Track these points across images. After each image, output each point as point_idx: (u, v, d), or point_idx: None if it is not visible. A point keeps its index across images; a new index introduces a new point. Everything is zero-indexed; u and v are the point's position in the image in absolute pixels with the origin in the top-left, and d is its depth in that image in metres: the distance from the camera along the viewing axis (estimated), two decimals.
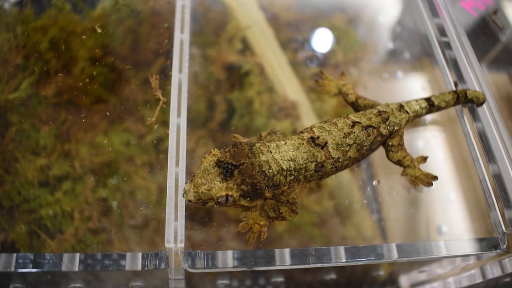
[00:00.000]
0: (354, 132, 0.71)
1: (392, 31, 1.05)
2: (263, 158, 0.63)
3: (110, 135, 0.86)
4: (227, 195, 0.60)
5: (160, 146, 0.85)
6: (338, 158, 0.69)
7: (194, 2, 0.97)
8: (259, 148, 0.65)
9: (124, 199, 0.81)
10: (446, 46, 0.88)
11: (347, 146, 0.70)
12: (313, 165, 0.67)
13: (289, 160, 0.65)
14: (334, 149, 0.69)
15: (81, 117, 0.87)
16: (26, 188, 0.81)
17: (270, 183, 0.63)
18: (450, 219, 0.81)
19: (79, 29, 0.97)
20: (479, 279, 0.79)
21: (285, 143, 0.68)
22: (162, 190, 0.81)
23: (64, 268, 0.62)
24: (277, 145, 0.66)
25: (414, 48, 1.01)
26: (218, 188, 0.60)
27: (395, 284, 0.99)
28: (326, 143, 0.69)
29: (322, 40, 1.00)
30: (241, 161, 0.62)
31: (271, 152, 0.65)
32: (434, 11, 0.93)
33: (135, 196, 0.81)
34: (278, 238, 0.78)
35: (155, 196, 0.81)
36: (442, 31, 0.90)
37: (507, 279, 0.82)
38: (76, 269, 0.62)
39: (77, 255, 0.64)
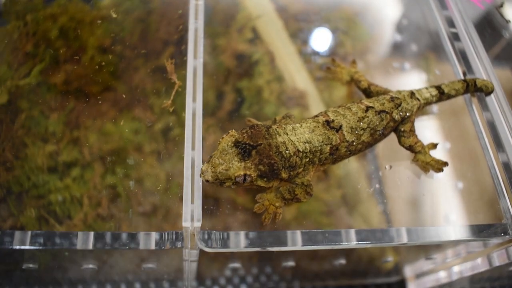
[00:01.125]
0: (368, 117, 0.72)
1: (399, 24, 1.06)
2: (280, 139, 0.64)
3: (119, 123, 0.87)
4: (245, 175, 0.61)
5: (168, 134, 0.85)
6: (352, 141, 0.70)
7: None
8: (275, 129, 0.65)
9: (133, 186, 0.81)
10: (454, 37, 0.88)
11: (361, 130, 0.71)
12: (328, 147, 0.68)
13: (305, 142, 0.66)
14: (348, 132, 0.70)
15: (90, 105, 0.87)
16: (36, 174, 0.81)
17: (286, 164, 0.64)
18: (458, 207, 0.82)
19: (89, 18, 0.98)
20: (485, 267, 0.79)
21: (301, 125, 0.69)
22: (170, 178, 0.82)
23: (78, 246, 0.62)
24: (293, 128, 0.68)
25: (421, 40, 1.01)
26: (236, 167, 0.61)
27: (400, 274, 1.00)
28: (341, 126, 0.70)
29: (330, 32, 1.01)
30: (259, 142, 0.62)
31: (287, 134, 0.66)
32: (442, 3, 0.94)
33: (144, 183, 0.81)
34: (286, 226, 0.78)
35: (163, 184, 0.81)
36: (450, 23, 0.91)
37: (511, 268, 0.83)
38: (91, 247, 0.62)
39: (91, 233, 0.64)
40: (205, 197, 0.77)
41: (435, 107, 0.88)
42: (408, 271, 1.00)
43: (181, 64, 0.88)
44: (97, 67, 0.91)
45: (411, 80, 0.97)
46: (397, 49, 1.03)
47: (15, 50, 0.92)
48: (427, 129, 0.87)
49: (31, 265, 0.74)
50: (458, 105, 0.86)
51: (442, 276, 0.93)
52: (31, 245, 0.62)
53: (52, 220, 0.78)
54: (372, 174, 0.86)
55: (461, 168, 0.84)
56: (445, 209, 0.83)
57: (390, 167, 0.83)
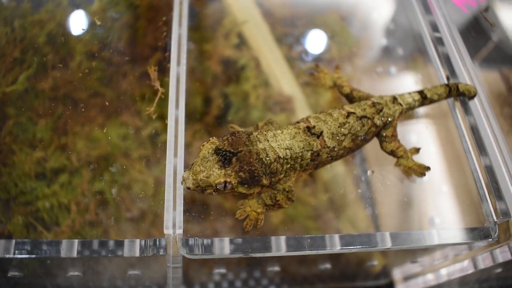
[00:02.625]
0: (349, 122, 0.73)
1: (386, 28, 1.07)
2: (260, 146, 0.65)
3: (107, 128, 0.87)
4: (225, 182, 0.62)
5: (156, 140, 0.86)
6: (334, 147, 0.71)
7: None
8: (256, 136, 0.66)
9: (120, 192, 0.81)
10: (438, 42, 0.89)
11: (342, 135, 0.72)
12: (309, 153, 0.69)
13: (285, 149, 0.67)
14: (329, 138, 0.71)
15: (78, 111, 0.87)
16: (23, 181, 0.81)
17: (267, 171, 0.64)
18: (442, 210, 0.82)
19: (78, 23, 0.98)
20: (471, 270, 0.80)
21: (282, 132, 0.69)
22: (158, 184, 0.82)
23: (63, 254, 0.62)
24: (274, 134, 0.68)
25: (407, 44, 1.02)
26: (217, 175, 0.62)
27: (389, 277, 1.01)
28: (321, 132, 0.70)
29: (316, 36, 1.02)
30: (239, 149, 0.63)
31: (268, 140, 0.66)
32: (427, 8, 0.95)
33: (132, 189, 0.82)
34: (273, 230, 0.79)
35: (152, 189, 0.82)
36: (434, 27, 0.92)
37: (499, 270, 0.83)
38: (75, 255, 0.63)
39: (76, 241, 0.65)
40: (193, 202, 0.77)
41: (420, 111, 0.89)
42: (397, 273, 1.00)
43: (166, 71, 0.88)
44: (85, 73, 0.91)
45: (398, 84, 0.98)
46: (384, 53, 1.04)
47: (3, 56, 0.92)
48: (412, 133, 0.88)
49: (16, 273, 0.74)
50: (443, 109, 0.87)
51: (430, 278, 0.94)
52: (16, 254, 0.62)
53: (40, 227, 0.79)
54: (359, 178, 0.86)
55: (445, 172, 0.85)
56: (431, 212, 0.84)
57: (372, 172, 0.84)
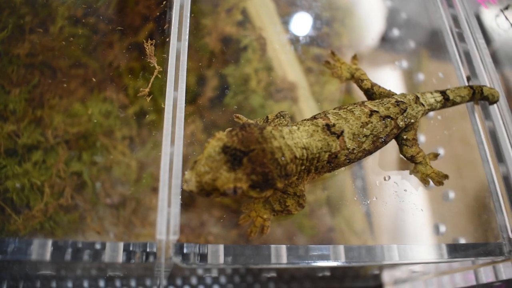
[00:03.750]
0: (372, 122, 0.65)
1: (398, 18, 1.01)
2: (275, 144, 0.56)
3: (88, 103, 0.80)
4: (235, 187, 0.54)
5: (143, 120, 0.79)
6: (353, 149, 0.64)
7: None
8: (270, 132, 0.57)
9: (100, 175, 0.75)
10: (459, 38, 0.83)
11: (363, 137, 0.64)
12: (326, 155, 0.61)
13: (302, 148, 0.59)
14: (350, 139, 0.63)
15: (56, 81, 0.81)
16: None
17: (282, 173, 0.56)
18: (449, 218, 0.78)
19: None
20: (468, 283, 0.76)
21: (298, 128, 0.61)
22: (142, 168, 0.77)
23: (34, 257, 0.54)
24: (290, 130, 0.60)
25: (420, 37, 0.96)
26: (225, 178, 0.53)
27: (378, 279, 0.98)
28: (342, 132, 0.63)
29: (325, 21, 0.94)
30: (251, 147, 0.54)
31: (284, 137, 0.58)
32: (448, 1, 0.89)
33: (113, 172, 0.76)
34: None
35: (135, 174, 0.76)
36: (455, 22, 0.85)
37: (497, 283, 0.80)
38: (48, 258, 0.55)
39: (49, 241, 0.57)
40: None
41: (436, 112, 0.84)
42: (386, 276, 0.96)
43: (161, 45, 0.80)
44: (67, 39, 0.84)
45: (406, 76, 0.92)
46: (394, 44, 0.98)
47: None
48: (426, 134, 0.82)
49: None
50: (460, 111, 0.81)
51: (420, 285, 0.90)
52: None
53: (9, 209, 0.72)
54: (359, 177, 0.81)
55: (455, 178, 0.80)
56: (434, 220, 0.79)
57: (389, 177, 0.78)
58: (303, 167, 0.60)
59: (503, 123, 0.74)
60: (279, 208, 0.62)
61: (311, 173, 0.63)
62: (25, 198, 0.73)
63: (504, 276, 0.70)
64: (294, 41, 0.88)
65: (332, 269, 0.81)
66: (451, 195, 0.79)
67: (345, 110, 0.66)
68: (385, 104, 0.69)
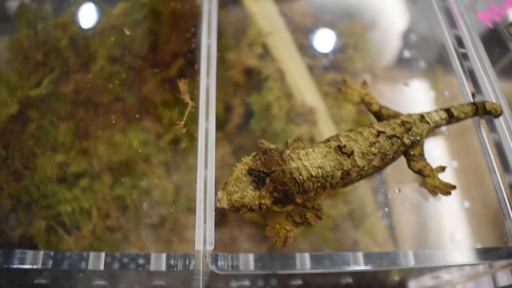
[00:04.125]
0: (379, 142, 0.73)
1: (408, 40, 1.07)
2: (293, 165, 0.65)
3: (128, 134, 0.87)
4: (260, 203, 0.62)
5: (176, 146, 0.86)
6: (363, 166, 0.71)
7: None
8: (289, 155, 0.66)
9: (140, 197, 0.81)
10: (463, 56, 0.89)
11: (372, 155, 0.72)
12: (339, 173, 0.69)
13: (317, 167, 0.67)
14: (360, 157, 0.71)
15: (99, 115, 0.88)
16: (45, 184, 0.82)
17: (300, 189, 0.65)
18: (464, 227, 0.82)
19: (99, 27, 0.98)
20: (491, 286, 0.80)
21: (313, 150, 0.70)
22: (178, 190, 0.82)
23: (90, 267, 0.62)
24: (306, 153, 0.68)
25: (430, 57, 1.02)
26: (251, 196, 0.62)
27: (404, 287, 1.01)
28: (352, 151, 0.71)
29: (339, 46, 1.02)
30: (272, 169, 0.63)
31: (300, 159, 0.67)
32: (451, 21, 0.95)
33: (152, 195, 0.82)
34: (293, 241, 0.79)
35: (171, 195, 0.82)
36: (459, 41, 0.91)
37: None
38: (102, 268, 0.63)
39: (103, 254, 0.65)
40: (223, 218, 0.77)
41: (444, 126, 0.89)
42: (412, 286, 1.00)
43: (191, 83, 0.88)
44: (106, 77, 0.92)
45: (419, 96, 0.98)
46: (405, 65, 1.03)
47: (26, 59, 0.93)
48: (435, 148, 0.88)
49: (42, 281, 0.74)
50: (467, 125, 0.86)
51: None
52: (43, 265, 0.63)
53: (61, 230, 0.79)
54: (379, 191, 0.86)
55: (467, 188, 0.84)
56: (451, 229, 0.84)
57: (399, 190, 0.83)
58: (319, 184, 0.68)
59: (509, 135, 0.79)
60: (300, 221, 0.70)
61: (327, 189, 0.70)
62: (75, 220, 0.80)
63: None
64: (311, 68, 0.96)
65: (355, 277, 0.86)
66: (465, 204, 0.83)
67: (355, 132, 0.74)
68: (391, 125, 0.76)
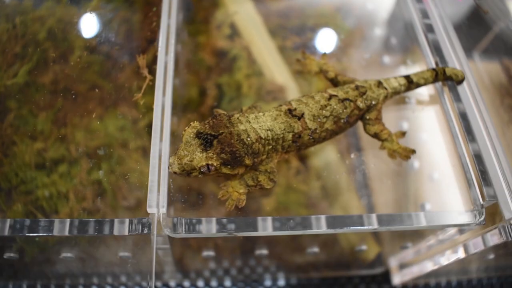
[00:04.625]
0: (330, 105, 0.74)
1: (380, 19, 1.08)
2: (241, 127, 0.66)
3: (105, 120, 0.89)
4: (207, 164, 0.63)
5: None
6: (315, 129, 0.72)
7: None
8: (237, 118, 0.67)
9: (118, 181, 0.83)
10: (428, 29, 0.89)
11: (323, 117, 0.73)
12: (290, 135, 0.70)
13: (267, 130, 0.68)
14: (310, 120, 0.72)
15: (77, 103, 0.90)
16: (24, 171, 0.84)
17: (249, 151, 0.65)
18: (433, 196, 0.83)
19: (77, 19, 1.00)
20: (463, 255, 0.80)
21: (264, 114, 0.71)
22: None
23: (55, 233, 0.64)
24: (255, 116, 0.69)
25: (402, 34, 1.03)
26: (199, 158, 0.63)
27: (384, 265, 1.01)
28: (302, 114, 0.72)
29: (310, 28, 1.03)
30: (220, 131, 0.64)
31: (249, 122, 0.68)
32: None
33: (129, 179, 0.83)
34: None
35: (148, 178, 0.83)
36: (425, 15, 0.92)
37: (491, 256, 0.83)
38: (67, 233, 0.65)
39: (68, 220, 0.67)
40: (189, 190, 0.79)
41: (413, 98, 0.89)
42: (392, 261, 1.00)
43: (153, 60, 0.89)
44: (84, 66, 0.93)
45: (393, 74, 0.98)
46: (378, 43, 1.04)
47: (4, 52, 0.95)
48: (404, 120, 0.88)
49: (12, 255, 0.76)
50: (435, 96, 0.87)
51: (426, 265, 0.94)
52: (12, 233, 0.65)
53: (40, 214, 0.81)
54: (352, 164, 0.87)
55: (436, 158, 0.85)
56: (422, 199, 0.84)
57: (356, 155, 0.84)
58: (270, 147, 0.69)
59: (474, 104, 0.79)
60: (252, 183, 0.70)
61: (279, 152, 0.71)
62: (53, 205, 0.82)
63: (491, 242, 0.74)
64: (282, 48, 0.97)
65: (320, 244, 0.87)
66: (435, 175, 0.84)
67: (307, 96, 0.75)
68: (344, 89, 0.77)
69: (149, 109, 0.87)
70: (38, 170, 0.84)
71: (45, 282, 0.97)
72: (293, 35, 1.01)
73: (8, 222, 0.66)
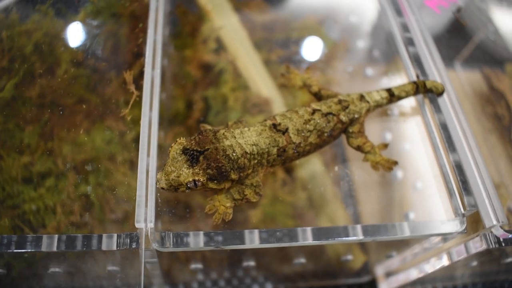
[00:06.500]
0: (314, 119, 0.75)
1: (363, 31, 1.10)
2: (227, 142, 0.67)
3: (92, 133, 0.89)
4: (194, 180, 0.64)
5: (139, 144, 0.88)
6: (299, 143, 0.73)
7: (172, 5, 1.01)
8: (223, 134, 0.69)
9: (105, 194, 0.83)
10: (409, 42, 0.92)
11: (307, 132, 0.74)
12: (275, 149, 0.71)
13: (252, 145, 0.69)
14: (295, 134, 0.73)
15: (64, 117, 0.90)
16: (10, 184, 0.84)
17: (235, 166, 0.67)
18: (416, 206, 0.84)
19: (63, 33, 1.01)
20: (447, 263, 0.82)
21: (249, 129, 0.72)
22: None
23: (43, 248, 0.65)
24: (241, 131, 0.71)
25: (384, 47, 1.05)
26: (186, 174, 0.64)
27: (371, 273, 1.03)
28: (287, 129, 0.73)
29: (295, 41, 1.05)
30: (206, 147, 0.66)
31: (235, 137, 0.69)
32: (398, 11, 0.98)
33: (116, 192, 0.84)
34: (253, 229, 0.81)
35: (135, 191, 0.82)
36: (405, 29, 0.94)
37: (474, 263, 0.85)
38: (55, 248, 0.65)
39: (56, 236, 0.67)
40: (177, 203, 0.80)
41: (395, 110, 0.91)
42: (378, 270, 1.02)
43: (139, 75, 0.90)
44: (70, 80, 0.94)
45: (376, 85, 1.00)
46: (361, 55, 1.06)
47: None
48: (387, 131, 0.90)
49: (0, 270, 0.76)
50: (416, 107, 0.89)
51: (412, 273, 0.95)
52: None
53: (27, 229, 0.81)
54: (337, 175, 0.89)
55: (418, 169, 0.87)
56: (406, 209, 0.86)
57: (340, 168, 0.86)
58: (255, 161, 0.70)
59: (454, 115, 0.81)
60: (239, 197, 0.72)
61: (265, 166, 0.73)
62: (40, 218, 0.82)
63: (473, 250, 0.76)
64: (267, 62, 0.99)
65: (307, 254, 0.88)
66: (418, 185, 0.86)
67: (291, 111, 0.76)
68: (327, 103, 0.78)
69: (136, 122, 0.88)
70: (25, 184, 0.84)
71: None
72: (277, 48, 1.03)
73: None
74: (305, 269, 0.96)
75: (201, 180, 0.64)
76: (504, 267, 1.00)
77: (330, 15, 1.11)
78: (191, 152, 0.65)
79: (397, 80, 0.96)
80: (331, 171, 0.90)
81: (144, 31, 0.89)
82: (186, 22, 1.04)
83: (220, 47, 1.00)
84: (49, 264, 0.79)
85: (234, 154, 0.66)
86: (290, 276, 0.99)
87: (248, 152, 0.68)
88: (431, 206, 0.83)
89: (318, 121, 0.75)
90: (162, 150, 0.79)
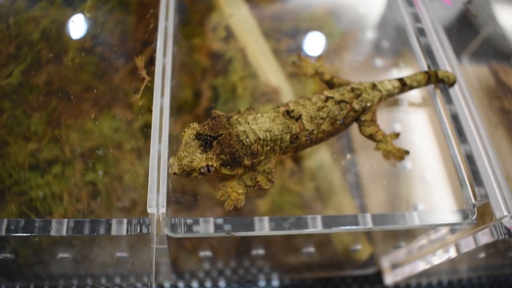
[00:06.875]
0: (327, 106, 0.75)
1: (373, 22, 1.09)
2: (240, 128, 0.67)
3: (100, 121, 0.89)
4: (207, 165, 0.64)
5: (147, 132, 0.86)
6: (312, 130, 0.73)
7: None
8: (236, 119, 0.68)
9: (112, 182, 0.83)
10: (420, 33, 0.91)
11: (320, 119, 0.74)
12: (288, 136, 0.71)
13: (265, 131, 0.69)
14: (308, 121, 0.73)
15: (71, 104, 0.90)
16: (17, 171, 0.83)
17: (248, 152, 0.66)
18: (426, 197, 0.84)
19: (71, 20, 1.01)
20: (454, 254, 0.82)
21: (262, 115, 0.72)
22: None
23: (53, 233, 0.64)
24: (254, 117, 0.70)
25: (393, 38, 1.04)
26: (199, 159, 0.64)
27: (376, 265, 1.03)
28: (300, 115, 0.73)
29: (304, 31, 1.04)
30: (219, 132, 0.65)
31: (248, 123, 0.68)
32: (409, 1, 0.97)
33: (123, 179, 0.84)
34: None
35: (143, 180, 0.83)
36: (417, 19, 0.94)
37: (482, 255, 0.85)
38: (64, 233, 0.65)
39: (65, 220, 0.67)
40: (184, 192, 0.80)
41: (405, 101, 0.91)
42: (384, 261, 1.02)
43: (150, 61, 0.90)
44: (78, 67, 0.93)
45: (384, 75, 1.00)
46: (370, 46, 1.06)
47: None
48: (396, 122, 0.90)
49: (8, 255, 0.76)
50: (427, 98, 0.89)
51: (417, 266, 0.95)
52: (9, 233, 0.65)
53: (33, 215, 0.81)
54: (345, 166, 0.88)
55: (428, 159, 0.86)
56: (415, 199, 0.85)
57: (351, 156, 0.85)
58: (268, 147, 0.70)
59: (465, 106, 0.81)
60: (251, 184, 0.71)
61: (277, 153, 0.72)
62: (47, 206, 0.82)
63: (482, 241, 0.76)
64: (276, 51, 0.98)
65: (315, 244, 0.88)
66: (427, 176, 0.85)
67: (304, 98, 0.76)
68: (340, 91, 0.78)
69: (145, 110, 0.88)
70: (32, 171, 0.84)
71: (39, 284, 0.96)
72: (287, 37, 1.02)
73: (5, 222, 0.66)
74: (311, 260, 0.96)
75: (215, 165, 0.64)
76: (510, 260, 1.00)
77: (339, 6, 1.10)
78: (205, 137, 0.65)
79: (406, 72, 0.96)
80: (339, 162, 0.89)
81: (155, 17, 0.88)
82: (195, 11, 1.04)
83: (230, 35, 0.99)
84: (56, 251, 0.78)
85: (247, 140, 0.66)
86: (297, 266, 0.99)
87: (262, 138, 0.68)
88: (440, 197, 0.82)
89: (331, 108, 0.75)
90: (172, 137, 0.79)
